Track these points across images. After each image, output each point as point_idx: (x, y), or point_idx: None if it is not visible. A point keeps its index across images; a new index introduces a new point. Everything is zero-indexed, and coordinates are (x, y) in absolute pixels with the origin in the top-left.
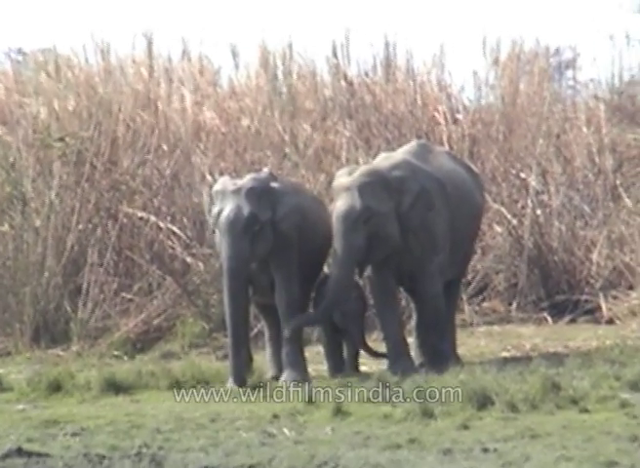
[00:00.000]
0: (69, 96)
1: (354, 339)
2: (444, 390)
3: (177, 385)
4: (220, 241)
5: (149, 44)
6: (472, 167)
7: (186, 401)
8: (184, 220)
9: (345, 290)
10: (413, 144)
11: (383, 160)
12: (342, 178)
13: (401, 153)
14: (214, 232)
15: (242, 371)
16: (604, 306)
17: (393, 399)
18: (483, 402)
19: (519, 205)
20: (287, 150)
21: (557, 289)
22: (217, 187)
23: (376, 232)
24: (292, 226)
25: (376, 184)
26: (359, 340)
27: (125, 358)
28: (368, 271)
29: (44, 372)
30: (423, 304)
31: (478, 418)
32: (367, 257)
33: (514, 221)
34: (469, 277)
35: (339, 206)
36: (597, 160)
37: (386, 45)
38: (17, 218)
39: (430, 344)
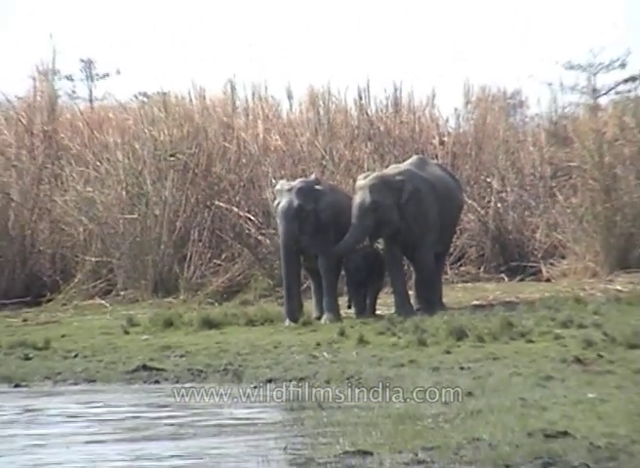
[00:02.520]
0: (182, 124)
1: (348, 288)
2: (433, 327)
3: (251, 323)
4: (278, 224)
5: (232, 88)
6: (454, 174)
7: (258, 333)
8: (257, 210)
9: (350, 250)
10: (414, 158)
11: (392, 168)
12: (360, 181)
13: (405, 164)
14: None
15: (293, 311)
16: (544, 270)
17: (399, 332)
18: (460, 335)
19: (485, 200)
20: (326, 163)
21: (511, 258)
22: (277, 187)
23: (381, 217)
24: (329, 215)
25: (381, 185)
26: (355, 290)
27: (216, 304)
28: (382, 245)
29: (161, 314)
30: (420, 268)
31: (457, 346)
32: (376, 234)
33: (482, 212)
34: (451, 250)
35: (356, 199)
36: (539, 169)
37: (395, 90)
38: (142, 209)
39: (424, 296)
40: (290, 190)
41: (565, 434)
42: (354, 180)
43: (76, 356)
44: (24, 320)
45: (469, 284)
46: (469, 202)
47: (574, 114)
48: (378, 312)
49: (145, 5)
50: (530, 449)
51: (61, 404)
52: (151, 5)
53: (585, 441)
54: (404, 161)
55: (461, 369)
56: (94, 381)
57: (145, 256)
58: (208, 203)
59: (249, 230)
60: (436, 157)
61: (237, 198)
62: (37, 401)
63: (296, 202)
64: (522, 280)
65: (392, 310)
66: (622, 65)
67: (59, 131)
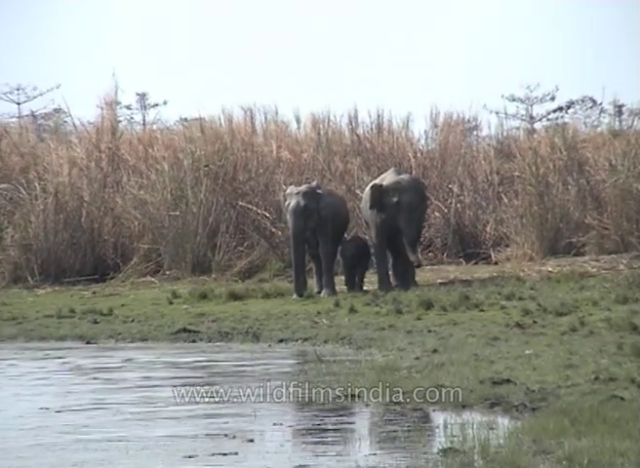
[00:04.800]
0: (214, 143)
1: (345, 271)
2: (408, 299)
3: (266, 296)
4: (289, 220)
5: (252, 114)
6: (424, 181)
7: (272, 304)
8: (271, 209)
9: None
10: (392, 170)
11: (379, 179)
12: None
13: (386, 174)
14: (286, 215)
15: (300, 287)
16: (493, 255)
17: (381, 304)
18: (428, 305)
19: (448, 202)
20: (325, 172)
21: (468, 246)
22: (287, 191)
23: None
24: (328, 213)
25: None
26: (347, 271)
27: (239, 281)
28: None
29: (197, 288)
30: (398, 254)
31: (426, 314)
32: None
33: (445, 210)
34: (422, 239)
35: (402, 199)
36: (489, 178)
37: (378, 116)
38: (183, 208)
39: (401, 275)
40: (297, 193)
41: (508, 381)
42: (347, 186)
43: (133, 321)
44: (93, 293)
45: (435, 266)
46: (435, 203)
47: (515, 136)
48: (365, 288)
49: (184, 50)
50: (481, 393)
51: (154, 355)
52: (189, 50)
53: (523, 386)
54: (385, 172)
55: (429, 331)
56: (146, 340)
57: (185, 244)
58: (233, 203)
59: (265, 224)
60: (410, 168)
61: (256, 199)
62: (126, 353)
63: (302, 202)
64: (476, 263)
65: (376, 286)
66: (552, 98)
67: (120, 148)
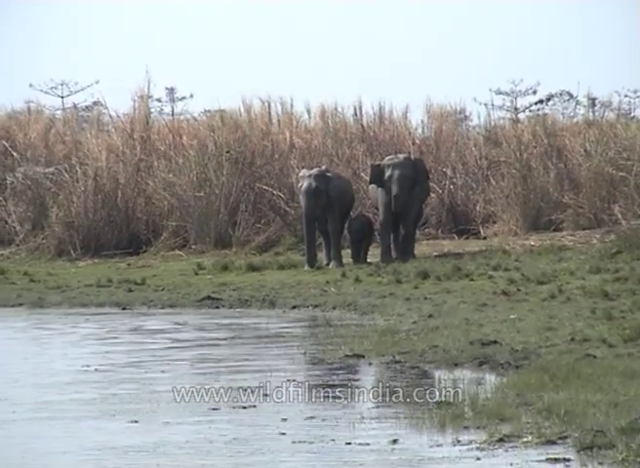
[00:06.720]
0: (234, 131)
1: (351, 245)
2: (406, 270)
3: (281, 267)
4: (302, 199)
5: (269, 105)
6: (424, 163)
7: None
8: (286, 190)
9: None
10: (392, 155)
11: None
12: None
13: (387, 159)
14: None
15: (311, 261)
16: (482, 231)
17: (382, 274)
18: (424, 275)
19: (442, 183)
20: (333, 157)
21: (460, 223)
22: (300, 174)
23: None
24: (336, 193)
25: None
26: (353, 245)
27: (257, 254)
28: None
29: (220, 261)
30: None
31: (422, 283)
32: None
33: (440, 191)
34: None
35: (395, 174)
36: (479, 162)
37: (380, 107)
38: (207, 189)
39: (402, 248)
40: (309, 176)
41: (495, 342)
42: (353, 170)
43: (163, 289)
44: (128, 264)
45: (431, 241)
46: (432, 184)
47: (502, 125)
48: (369, 260)
49: (208, 49)
50: (471, 353)
51: (200, 319)
52: (212, 50)
53: (508, 347)
54: (386, 157)
55: (425, 299)
56: (175, 306)
57: (209, 222)
58: (252, 185)
59: (280, 204)
60: (409, 153)
61: (272, 182)
62: (174, 317)
63: (313, 184)
64: (467, 238)
65: (379, 259)
66: (534, 92)
67: (151, 136)
